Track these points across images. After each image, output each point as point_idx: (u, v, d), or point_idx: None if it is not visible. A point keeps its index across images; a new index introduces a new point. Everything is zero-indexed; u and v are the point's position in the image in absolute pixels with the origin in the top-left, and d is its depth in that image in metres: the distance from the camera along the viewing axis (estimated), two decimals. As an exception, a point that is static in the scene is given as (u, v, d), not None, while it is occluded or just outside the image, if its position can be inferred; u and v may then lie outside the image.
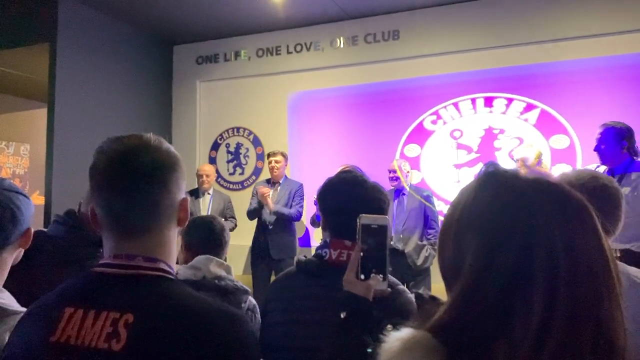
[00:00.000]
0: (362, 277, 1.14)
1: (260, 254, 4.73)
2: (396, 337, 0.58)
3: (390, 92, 5.42)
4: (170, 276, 0.90)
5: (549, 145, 4.78)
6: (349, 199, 1.39)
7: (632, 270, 1.35)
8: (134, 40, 5.72)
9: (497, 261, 0.56)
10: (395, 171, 4.44)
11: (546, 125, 4.81)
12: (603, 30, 4.57)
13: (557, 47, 4.74)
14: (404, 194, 4.48)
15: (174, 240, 0.94)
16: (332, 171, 1.85)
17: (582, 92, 4.68)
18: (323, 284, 1.35)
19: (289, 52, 5.79)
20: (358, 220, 1.16)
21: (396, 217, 4.41)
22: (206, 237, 2.00)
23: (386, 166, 4.56)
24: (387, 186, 4.47)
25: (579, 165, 4.62)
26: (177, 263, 1.80)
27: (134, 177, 0.87)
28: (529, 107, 4.89)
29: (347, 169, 4.39)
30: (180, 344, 0.76)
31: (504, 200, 0.60)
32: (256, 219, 4.81)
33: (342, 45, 5.58)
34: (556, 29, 4.73)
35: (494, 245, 0.57)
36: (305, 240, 5.34)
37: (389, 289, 1.20)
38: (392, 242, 4.37)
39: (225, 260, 2.04)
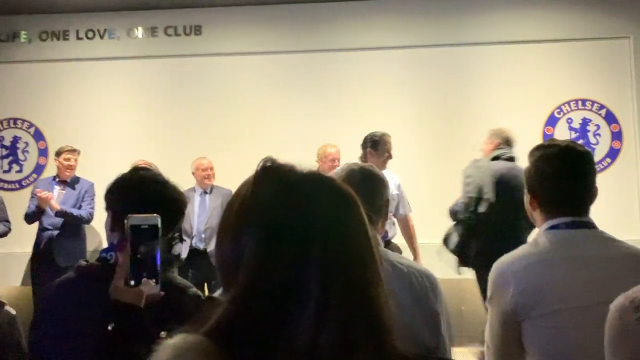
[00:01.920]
0: (133, 282, 1.06)
1: (43, 261, 4.21)
2: (168, 344, 0.53)
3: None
4: None
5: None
6: (146, 198, 1.28)
7: (392, 255, 1.48)
8: None
9: (277, 256, 0.56)
10: (212, 169, 4.43)
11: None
12: (394, 44, 5.06)
13: (359, 55, 5.09)
14: (206, 193, 4.41)
15: None
16: (126, 169, 1.69)
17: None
18: (106, 290, 1.22)
19: (79, 38, 5.27)
20: (126, 221, 1.07)
21: (198, 215, 4.33)
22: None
23: (186, 165, 4.44)
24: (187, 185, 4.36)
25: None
26: None
27: None
28: (325, 110, 5.20)
29: (142, 165, 4.18)
30: None
31: (282, 194, 0.60)
32: (38, 222, 4.28)
33: (140, 36, 5.27)
34: (359, 38, 5.06)
35: (273, 240, 0.57)
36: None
37: (162, 293, 1.14)
38: (193, 242, 4.27)
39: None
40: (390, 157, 3.85)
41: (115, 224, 1.33)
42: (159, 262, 1.08)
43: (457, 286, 4.56)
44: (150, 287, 1.07)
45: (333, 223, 0.58)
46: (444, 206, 3.79)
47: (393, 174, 3.86)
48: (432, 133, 5.01)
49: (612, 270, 1.31)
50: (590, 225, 1.40)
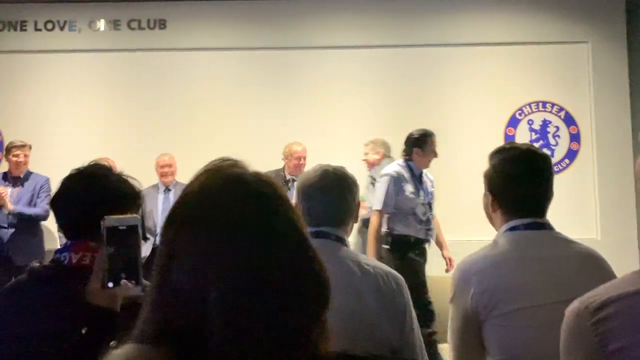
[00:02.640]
0: (111, 284, 1.04)
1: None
2: (115, 355, 0.51)
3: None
4: None
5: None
6: (90, 194, 1.24)
7: (360, 257, 1.49)
8: None
9: (179, 257, 0.55)
10: (171, 165, 4.36)
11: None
12: (360, 43, 5.08)
13: (323, 53, 5.10)
14: (169, 190, 4.35)
15: None
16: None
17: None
18: (62, 292, 1.18)
19: (37, 29, 5.10)
20: (102, 223, 1.04)
21: (161, 213, 4.28)
22: None
23: (150, 161, 4.37)
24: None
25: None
26: None
27: None
28: (292, 108, 5.18)
29: (99, 161, 4.08)
30: None
31: (198, 196, 0.59)
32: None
33: (102, 29, 5.14)
34: (323, 37, 5.07)
35: (220, 238, 0.56)
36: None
37: (142, 294, 1.11)
38: (157, 240, 4.20)
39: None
40: (435, 155, 3.81)
41: (66, 229, 1.29)
42: (139, 263, 1.06)
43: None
44: (129, 289, 1.04)
45: (270, 221, 0.58)
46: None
47: (427, 172, 3.87)
48: (396, 133, 5.05)
49: (568, 270, 1.35)
50: (548, 227, 1.43)
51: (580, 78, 5.06)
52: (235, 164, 0.62)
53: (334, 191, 1.53)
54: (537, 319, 1.29)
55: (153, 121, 5.07)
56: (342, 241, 1.51)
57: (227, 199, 0.58)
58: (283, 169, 4.24)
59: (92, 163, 1.36)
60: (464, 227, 4.41)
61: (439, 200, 4.11)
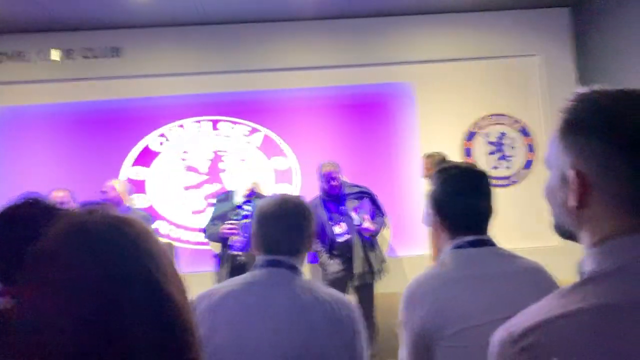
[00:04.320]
0: None
1: None
2: None
3: (113, 111, 5.10)
4: None
5: (271, 166, 5.11)
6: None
7: (313, 285, 1.49)
8: None
9: (65, 309, 0.55)
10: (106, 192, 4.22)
11: (268, 148, 5.14)
12: (316, 64, 5.12)
13: (278, 75, 5.13)
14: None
15: None
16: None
17: (299, 118, 5.15)
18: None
19: (-13, 61, 4.99)
20: None
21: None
22: None
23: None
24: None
25: (297, 185, 5.05)
26: None
27: None
28: (253, 131, 5.16)
29: (59, 193, 3.98)
30: None
31: (71, 243, 0.59)
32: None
33: (56, 58, 5.05)
34: (281, 58, 5.11)
35: (63, 291, 0.55)
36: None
37: None
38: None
39: None
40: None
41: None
42: None
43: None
44: None
45: (83, 277, 0.57)
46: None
47: None
48: (354, 155, 5.10)
49: (513, 286, 1.35)
50: (491, 243, 1.44)
51: (532, 90, 5.21)
52: (92, 210, 0.62)
53: (290, 220, 1.53)
54: (485, 338, 1.28)
55: (109, 148, 4.99)
56: (295, 270, 1.51)
57: (69, 250, 0.57)
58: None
59: (23, 198, 1.31)
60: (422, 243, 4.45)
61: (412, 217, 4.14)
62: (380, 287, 4.48)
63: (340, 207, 4.06)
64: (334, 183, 4.05)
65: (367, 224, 3.88)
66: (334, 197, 4.06)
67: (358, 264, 3.86)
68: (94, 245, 0.58)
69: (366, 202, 4.04)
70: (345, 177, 4.33)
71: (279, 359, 1.35)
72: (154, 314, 0.57)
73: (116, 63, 5.06)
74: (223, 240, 3.92)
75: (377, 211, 4.13)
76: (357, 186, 4.18)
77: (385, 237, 4.88)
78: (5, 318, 1.08)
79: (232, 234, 3.85)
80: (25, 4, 4.52)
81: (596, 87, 0.78)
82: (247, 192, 4.02)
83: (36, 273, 0.58)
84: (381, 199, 4.95)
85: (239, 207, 4.06)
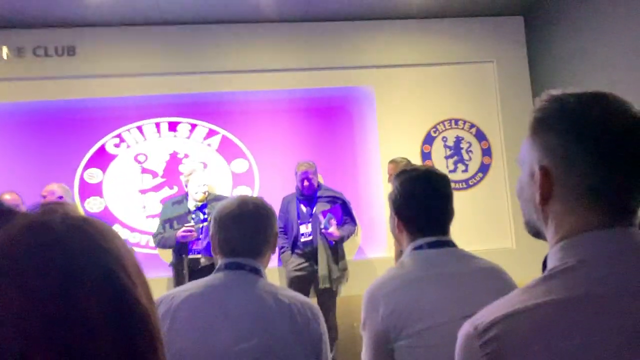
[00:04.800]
0: None
1: None
2: None
3: (67, 112, 4.95)
4: None
5: (230, 169, 5.07)
6: None
7: (275, 288, 1.48)
8: None
9: (20, 306, 0.52)
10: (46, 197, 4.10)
11: (227, 150, 5.09)
12: (276, 67, 5.10)
13: (238, 77, 5.08)
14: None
15: None
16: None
17: (259, 120, 5.12)
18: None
19: None
20: None
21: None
22: None
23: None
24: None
25: (257, 188, 5.02)
26: None
27: None
28: (212, 133, 5.10)
29: (6, 196, 3.83)
30: None
31: (29, 241, 0.56)
32: None
33: (5, 57, 4.86)
34: (240, 60, 5.07)
35: (20, 290, 0.52)
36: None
37: None
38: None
39: None
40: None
41: None
42: None
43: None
44: None
45: (38, 276, 0.54)
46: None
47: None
48: (318, 154, 5.12)
49: (472, 285, 1.39)
50: (451, 244, 1.47)
51: (488, 95, 5.34)
52: (52, 210, 0.59)
53: (250, 221, 1.52)
54: (446, 336, 1.31)
55: (61, 149, 4.84)
56: (257, 272, 1.49)
57: (24, 252, 0.54)
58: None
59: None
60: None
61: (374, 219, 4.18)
62: (344, 290, 4.52)
63: (311, 208, 4.09)
64: (306, 184, 4.07)
65: (332, 229, 3.91)
66: (307, 197, 4.09)
67: (322, 266, 3.89)
68: (53, 246, 0.55)
69: (337, 208, 4.08)
70: (321, 179, 4.37)
71: None
72: (119, 319, 0.55)
73: (71, 62, 4.91)
74: (178, 245, 3.86)
75: (346, 218, 4.15)
76: (332, 190, 4.23)
77: (356, 242, 4.91)
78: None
79: (189, 237, 3.79)
80: (-28, -1, 4.35)
81: (567, 89, 0.82)
82: (204, 197, 3.98)
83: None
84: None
85: (196, 210, 4.01)
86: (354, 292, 4.51)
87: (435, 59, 5.29)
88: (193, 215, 3.98)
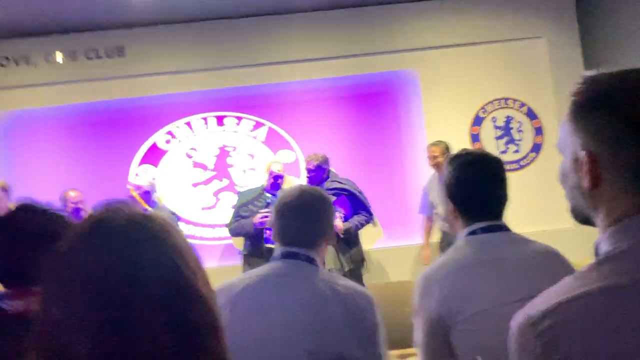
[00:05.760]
0: None
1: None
2: None
3: (119, 111, 5.12)
4: None
5: (277, 160, 5.11)
6: (13, 240, 1.21)
7: (331, 277, 1.49)
8: None
9: (85, 307, 0.55)
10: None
11: (273, 141, 5.14)
12: (319, 55, 5.10)
13: (281, 68, 5.11)
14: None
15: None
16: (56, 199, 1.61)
17: (303, 110, 5.15)
18: (5, 345, 1.13)
19: (-8, 66, 5.01)
20: None
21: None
22: None
23: (120, 188, 4.32)
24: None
25: (303, 178, 5.05)
26: None
27: None
28: (258, 125, 5.17)
29: (71, 194, 4.02)
30: None
31: (92, 241, 0.58)
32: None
33: (59, 61, 5.07)
34: (282, 52, 5.09)
35: (83, 290, 0.55)
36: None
37: None
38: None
39: None
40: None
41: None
42: None
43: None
44: None
45: (101, 276, 0.57)
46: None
47: None
48: (364, 141, 5.10)
49: (527, 270, 1.36)
50: (505, 228, 1.45)
51: (538, 72, 5.16)
52: (116, 208, 0.61)
53: (308, 212, 1.53)
54: (498, 320, 1.29)
55: (117, 147, 5.03)
56: (312, 262, 1.50)
57: (92, 248, 0.57)
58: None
59: (18, 204, 1.33)
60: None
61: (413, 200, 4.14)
62: (379, 277, 4.51)
63: None
64: (279, 181, 4.08)
65: (337, 222, 3.80)
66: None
67: (328, 259, 3.76)
68: (115, 243, 0.57)
69: (342, 200, 3.96)
70: (333, 170, 4.24)
71: (296, 353, 1.36)
72: (183, 313, 0.56)
73: (120, 63, 5.07)
74: (256, 230, 3.91)
75: (355, 210, 4.02)
76: (339, 182, 4.08)
77: (375, 232, 4.78)
78: (21, 320, 1.10)
79: (267, 223, 3.77)
80: (27, 8, 4.53)
81: (603, 69, 0.79)
82: (274, 176, 4.06)
83: (56, 274, 0.57)
84: (386, 189, 4.96)
85: (266, 191, 4.08)
86: (395, 278, 4.52)
87: (480, 37, 5.15)
88: (261, 199, 4.06)
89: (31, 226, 1.21)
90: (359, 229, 4.03)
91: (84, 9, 4.68)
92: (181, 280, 0.58)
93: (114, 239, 0.57)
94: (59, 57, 5.06)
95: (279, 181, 4.11)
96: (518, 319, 0.76)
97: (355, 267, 3.94)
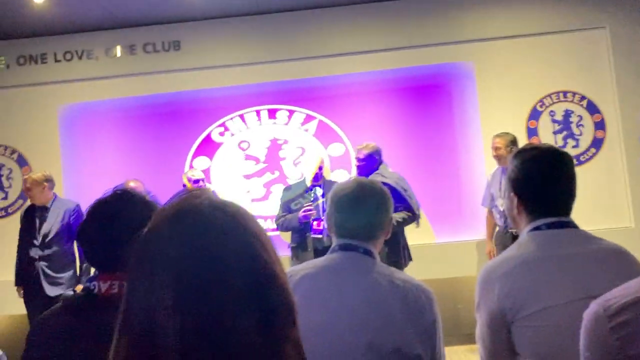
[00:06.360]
0: None
1: (32, 290, 4.14)
2: None
3: (175, 104, 5.26)
4: None
5: (327, 153, 5.14)
6: (114, 223, 1.26)
7: (390, 271, 1.48)
8: None
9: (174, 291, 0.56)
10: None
11: (324, 135, 5.16)
12: (372, 47, 5.07)
13: (333, 61, 5.11)
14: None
15: None
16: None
17: (355, 103, 5.14)
18: (92, 321, 1.19)
19: (57, 61, 5.24)
20: None
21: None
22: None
23: (175, 180, 4.44)
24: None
25: (354, 171, 5.05)
26: None
27: None
28: (309, 118, 5.19)
29: (128, 183, 4.15)
30: None
31: (180, 225, 0.60)
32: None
33: (119, 55, 5.25)
34: (331, 45, 5.10)
35: (172, 273, 0.56)
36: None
37: None
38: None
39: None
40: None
41: (92, 261, 1.31)
42: None
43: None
44: None
45: (192, 259, 0.58)
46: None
47: None
48: (416, 135, 5.04)
49: (592, 266, 1.32)
50: (571, 225, 1.41)
51: (600, 64, 4.96)
52: (197, 194, 0.62)
53: (367, 204, 1.51)
54: (565, 317, 1.26)
55: (173, 140, 5.17)
56: (370, 254, 1.49)
57: (177, 233, 0.58)
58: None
59: (116, 189, 1.37)
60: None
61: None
62: (441, 272, 4.46)
63: None
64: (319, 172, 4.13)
65: None
66: None
67: None
68: (201, 227, 0.58)
69: None
70: (385, 164, 4.12)
71: (356, 344, 1.36)
72: (265, 297, 0.57)
73: (177, 56, 5.20)
74: (302, 224, 3.99)
75: (398, 206, 3.78)
76: (383, 176, 3.90)
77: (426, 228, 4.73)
78: (110, 301, 1.15)
79: (311, 216, 3.91)
80: (89, 5, 4.72)
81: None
82: (316, 171, 4.11)
83: (141, 259, 0.59)
84: (440, 183, 4.90)
85: (309, 189, 4.14)
86: (446, 275, 4.46)
87: (540, 28, 4.99)
88: (306, 195, 4.12)
89: (129, 213, 1.24)
90: (395, 227, 3.90)
91: (141, 4, 4.83)
92: (262, 264, 0.59)
93: (199, 223, 0.59)
94: (118, 51, 5.24)
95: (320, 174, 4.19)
96: (592, 310, 0.74)
97: (391, 265, 3.84)
